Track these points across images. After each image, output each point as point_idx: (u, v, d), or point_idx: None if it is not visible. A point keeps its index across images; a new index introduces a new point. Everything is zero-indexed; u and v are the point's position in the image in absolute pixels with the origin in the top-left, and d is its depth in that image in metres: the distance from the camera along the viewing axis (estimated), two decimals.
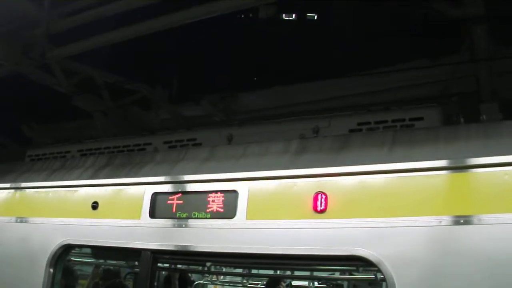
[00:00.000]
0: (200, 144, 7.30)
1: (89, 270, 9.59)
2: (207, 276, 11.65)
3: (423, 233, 4.72)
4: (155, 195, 6.41)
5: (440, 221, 4.67)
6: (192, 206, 6.10)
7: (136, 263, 7.10)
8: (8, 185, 8.06)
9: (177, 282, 9.23)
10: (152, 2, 7.86)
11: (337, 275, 7.36)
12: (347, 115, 6.52)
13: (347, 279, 7.61)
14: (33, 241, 7.19)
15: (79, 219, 6.89)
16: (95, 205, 6.84)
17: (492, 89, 7.11)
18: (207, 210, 5.97)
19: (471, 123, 5.75)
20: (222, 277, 11.76)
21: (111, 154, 7.91)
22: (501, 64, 7.14)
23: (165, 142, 7.67)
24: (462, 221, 4.59)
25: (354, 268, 6.14)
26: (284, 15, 9.30)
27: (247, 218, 5.67)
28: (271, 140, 6.28)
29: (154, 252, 6.20)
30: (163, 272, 8.54)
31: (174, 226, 6.14)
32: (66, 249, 6.99)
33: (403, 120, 6.01)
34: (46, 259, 6.88)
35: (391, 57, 7.94)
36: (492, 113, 6.10)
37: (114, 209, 6.70)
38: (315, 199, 5.30)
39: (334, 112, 6.75)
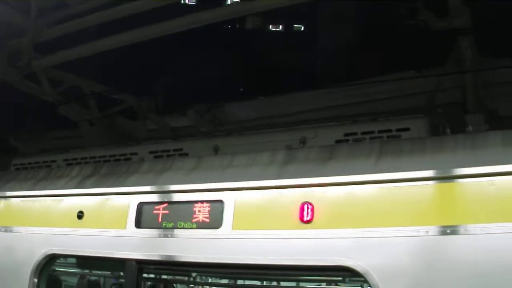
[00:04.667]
0: (186, 155, 7.26)
1: (74, 280, 9.50)
2: (193, 287, 11.58)
3: (410, 243, 4.71)
4: (141, 205, 6.37)
5: (427, 231, 4.67)
6: (178, 216, 6.07)
7: (122, 273, 7.05)
8: None
9: None
10: (139, 12, 7.86)
11: (323, 285, 7.34)
12: (334, 125, 6.53)
13: None
14: (17, 251, 7.13)
15: (64, 229, 6.84)
16: (80, 215, 6.79)
17: (478, 100, 7.14)
18: (193, 220, 5.95)
19: (457, 133, 5.77)
20: (207, 287, 11.69)
21: (96, 163, 7.85)
22: (487, 75, 7.18)
23: (151, 152, 7.62)
24: (448, 231, 4.59)
25: (341, 278, 6.12)
26: (271, 26, 9.32)
27: (233, 228, 5.64)
28: (258, 151, 6.26)
29: (139, 262, 6.16)
30: (148, 283, 8.47)
31: (159, 236, 6.10)
32: (51, 259, 6.94)
33: (390, 130, 6.00)
34: (31, 269, 6.82)
35: (377, 68, 7.97)
36: (478, 124, 6.14)
37: (99, 219, 6.66)
38: (302, 209, 5.28)
39: (320, 123, 6.75)
